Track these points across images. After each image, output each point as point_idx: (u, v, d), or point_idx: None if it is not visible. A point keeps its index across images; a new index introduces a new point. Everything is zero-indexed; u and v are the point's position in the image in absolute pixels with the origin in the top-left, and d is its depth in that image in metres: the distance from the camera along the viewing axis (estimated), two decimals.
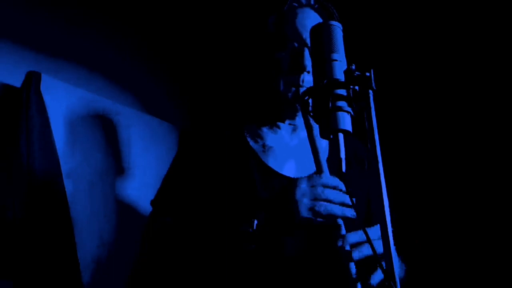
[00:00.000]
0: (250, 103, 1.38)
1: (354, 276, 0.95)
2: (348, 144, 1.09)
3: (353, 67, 0.84)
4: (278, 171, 1.22)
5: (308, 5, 1.27)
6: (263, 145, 1.26)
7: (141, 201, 1.80)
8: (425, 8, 1.99)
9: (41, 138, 1.53)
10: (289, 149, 1.28)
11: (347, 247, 0.96)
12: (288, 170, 1.24)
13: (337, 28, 0.89)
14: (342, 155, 0.81)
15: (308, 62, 1.17)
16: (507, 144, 1.80)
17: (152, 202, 1.27)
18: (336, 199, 1.00)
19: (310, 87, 0.87)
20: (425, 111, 2.03)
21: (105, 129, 1.80)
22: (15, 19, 1.67)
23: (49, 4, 1.79)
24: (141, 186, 1.83)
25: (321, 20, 1.23)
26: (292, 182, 1.04)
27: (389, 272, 0.74)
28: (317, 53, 0.88)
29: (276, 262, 1.10)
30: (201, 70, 2.33)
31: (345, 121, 0.81)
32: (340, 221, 0.99)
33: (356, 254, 0.95)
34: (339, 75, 0.84)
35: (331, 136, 0.82)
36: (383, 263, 0.76)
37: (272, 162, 1.23)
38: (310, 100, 0.87)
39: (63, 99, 1.67)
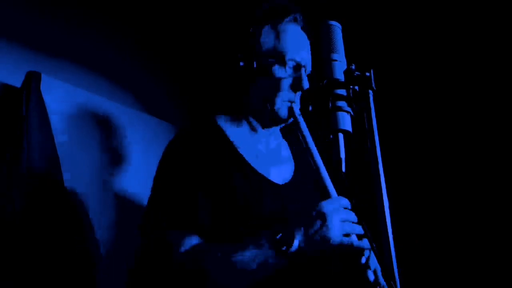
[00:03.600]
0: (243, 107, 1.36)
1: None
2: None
3: (353, 67, 0.84)
4: (267, 177, 1.25)
5: (300, 23, 1.29)
6: (254, 154, 1.28)
7: (141, 201, 1.80)
8: (425, 8, 1.99)
9: (41, 138, 1.53)
10: (266, 157, 1.32)
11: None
12: (274, 177, 1.27)
13: (337, 28, 0.89)
14: (342, 155, 0.82)
15: (305, 82, 1.20)
16: (507, 144, 1.80)
17: (144, 217, 1.23)
18: (354, 220, 1.08)
19: (310, 87, 0.87)
20: (425, 111, 2.03)
21: (105, 129, 1.80)
22: (15, 19, 1.67)
23: (49, 4, 1.79)
24: (141, 186, 1.83)
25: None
26: (317, 204, 1.07)
27: (389, 272, 0.74)
28: (317, 53, 0.88)
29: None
30: (201, 70, 2.33)
31: (345, 121, 0.82)
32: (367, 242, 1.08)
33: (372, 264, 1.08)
34: (339, 75, 0.84)
35: (331, 136, 0.82)
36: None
37: (261, 169, 1.26)
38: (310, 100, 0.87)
39: (63, 99, 1.67)
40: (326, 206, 1.06)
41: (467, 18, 1.91)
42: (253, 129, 1.33)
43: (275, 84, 1.23)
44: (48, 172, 1.52)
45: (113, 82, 1.97)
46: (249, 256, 1.06)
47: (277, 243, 1.04)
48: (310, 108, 0.86)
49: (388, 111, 1.31)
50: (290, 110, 1.23)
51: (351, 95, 0.83)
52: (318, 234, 1.04)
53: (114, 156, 1.81)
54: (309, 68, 1.26)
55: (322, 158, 1.15)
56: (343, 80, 0.84)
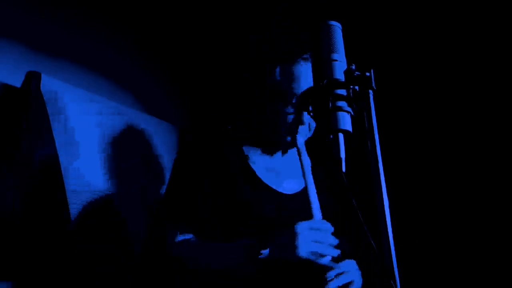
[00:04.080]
0: (249, 125, 1.44)
1: None
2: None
3: (353, 67, 0.84)
4: (277, 189, 1.35)
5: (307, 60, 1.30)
6: (265, 168, 1.37)
7: (141, 201, 1.80)
8: (425, 8, 1.99)
9: (41, 138, 1.53)
10: (280, 171, 1.40)
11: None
12: (283, 189, 1.36)
13: (337, 28, 0.89)
14: (342, 155, 0.81)
15: (306, 120, 1.27)
16: (507, 144, 1.80)
17: (156, 214, 1.37)
18: (333, 243, 1.16)
19: (310, 87, 0.87)
20: (425, 111, 2.03)
21: (105, 129, 1.80)
22: (15, 19, 1.67)
23: (49, 4, 1.79)
24: (141, 186, 1.83)
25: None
26: (293, 224, 1.15)
27: (389, 272, 0.74)
28: (317, 53, 0.88)
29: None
30: (201, 70, 2.33)
31: (345, 121, 0.82)
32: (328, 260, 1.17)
33: (335, 284, 1.15)
34: (339, 75, 0.84)
35: (331, 136, 0.82)
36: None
37: (271, 182, 1.35)
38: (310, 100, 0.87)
39: (63, 99, 1.67)
40: (301, 225, 1.14)
41: (467, 18, 1.91)
42: (272, 147, 1.40)
43: (281, 116, 1.30)
44: (48, 172, 1.52)
45: (113, 82, 1.97)
46: (224, 257, 1.20)
47: (249, 250, 1.15)
48: (310, 108, 0.86)
49: (388, 111, 1.31)
50: (293, 139, 1.29)
51: (351, 95, 0.83)
52: (286, 249, 1.13)
53: (114, 156, 1.81)
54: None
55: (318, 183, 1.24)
56: (343, 80, 0.84)
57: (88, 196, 1.67)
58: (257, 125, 1.39)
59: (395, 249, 0.76)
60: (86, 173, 1.68)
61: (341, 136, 0.82)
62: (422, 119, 2.03)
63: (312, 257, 1.13)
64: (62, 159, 1.57)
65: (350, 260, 1.22)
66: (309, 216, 1.19)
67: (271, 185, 1.35)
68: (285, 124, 1.29)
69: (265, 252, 1.14)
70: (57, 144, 1.57)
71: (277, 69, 1.29)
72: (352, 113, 0.83)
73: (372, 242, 1.04)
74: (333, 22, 0.89)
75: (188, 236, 1.26)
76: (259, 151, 1.40)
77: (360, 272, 1.24)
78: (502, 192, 1.79)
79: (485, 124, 1.87)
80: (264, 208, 1.29)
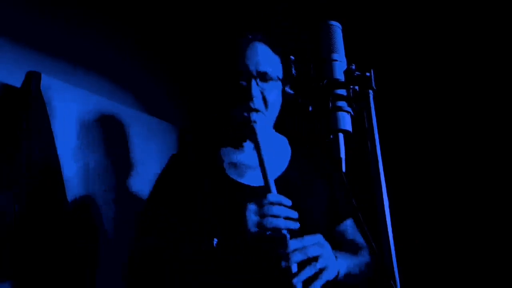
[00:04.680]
0: (220, 127, 1.50)
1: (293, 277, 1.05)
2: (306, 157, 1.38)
3: (353, 67, 0.84)
4: (239, 180, 1.34)
5: (254, 39, 1.38)
6: (229, 163, 1.39)
7: (141, 201, 1.80)
8: (425, 8, 1.99)
9: (41, 138, 1.53)
10: (250, 164, 1.38)
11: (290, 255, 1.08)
12: (247, 180, 1.35)
13: (337, 28, 0.89)
14: (342, 155, 0.82)
15: (255, 92, 1.30)
16: (507, 144, 1.80)
17: (138, 221, 1.36)
18: (281, 214, 1.11)
19: (310, 87, 0.87)
20: (425, 111, 2.03)
21: (105, 129, 1.80)
22: (15, 19, 1.67)
23: (49, 4, 1.79)
24: (141, 186, 1.83)
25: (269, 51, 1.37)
26: (242, 204, 1.14)
27: (389, 272, 0.74)
28: (317, 53, 0.88)
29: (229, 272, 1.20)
30: (201, 70, 2.33)
31: (345, 121, 0.82)
32: (285, 232, 1.10)
33: (295, 257, 1.07)
34: (339, 75, 0.84)
35: (331, 136, 0.82)
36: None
37: (234, 174, 1.36)
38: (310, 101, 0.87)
39: (63, 99, 1.67)
40: (249, 203, 1.13)
41: (467, 18, 1.91)
42: (239, 145, 1.42)
43: (229, 99, 1.36)
44: (48, 172, 1.52)
45: (113, 82, 1.97)
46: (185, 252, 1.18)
47: (202, 244, 1.15)
48: (310, 108, 0.86)
49: (388, 111, 1.31)
50: (247, 120, 1.31)
51: (351, 95, 0.83)
52: (235, 230, 1.12)
53: (114, 156, 1.81)
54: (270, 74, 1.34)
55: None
56: (343, 80, 0.84)
57: (88, 196, 1.67)
58: (224, 127, 1.43)
59: (395, 249, 0.76)
60: (86, 173, 1.68)
61: (341, 136, 0.82)
62: (422, 119, 2.03)
63: (264, 232, 1.09)
64: (62, 159, 1.57)
65: (315, 235, 1.14)
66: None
67: (234, 177, 1.34)
68: (236, 104, 1.32)
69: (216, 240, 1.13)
70: (57, 144, 1.57)
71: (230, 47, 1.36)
72: (352, 113, 0.83)
73: (372, 242, 1.04)
74: (333, 22, 0.89)
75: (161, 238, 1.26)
76: (231, 148, 1.42)
77: (329, 247, 1.15)
78: (502, 192, 1.79)
79: (485, 124, 1.87)
80: (230, 202, 1.27)
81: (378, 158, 0.78)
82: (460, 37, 1.95)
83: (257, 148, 1.23)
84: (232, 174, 1.36)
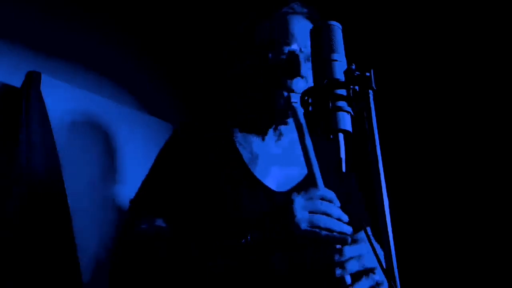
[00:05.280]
0: (238, 108, 1.35)
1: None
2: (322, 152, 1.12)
3: (353, 67, 0.84)
4: (262, 180, 1.20)
5: (301, 12, 1.24)
6: (251, 152, 1.23)
7: None
8: (425, 8, 1.99)
9: (41, 138, 1.53)
10: (273, 158, 1.25)
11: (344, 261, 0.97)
12: (271, 180, 1.21)
13: (337, 28, 0.89)
14: (342, 155, 0.81)
15: (303, 67, 1.16)
16: (507, 144, 1.80)
17: (131, 202, 1.23)
18: (333, 214, 0.99)
19: (310, 87, 0.87)
20: (425, 111, 2.03)
21: (105, 129, 1.80)
22: (15, 19, 1.67)
23: (49, 4, 1.79)
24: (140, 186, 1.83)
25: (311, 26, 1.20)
26: (289, 196, 1.01)
27: (389, 272, 0.74)
28: (317, 53, 0.88)
29: (264, 278, 1.07)
30: (201, 70, 2.33)
31: (345, 121, 0.82)
32: (341, 236, 0.98)
33: (351, 267, 0.96)
34: (339, 75, 0.84)
35: (331, 136, 0.82)
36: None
37: (258, 171, 1.21)
38: (310, 100, 0.86)
39: (63, 99, 1.67)
40: (297, 196, 0.99)
41: (467, 18, 1.91)
42: (261, 132, 1.26)
43: (269, 75, 1.19)
44: (48, 172, 1.52)
45: (113, 82, 1.97)
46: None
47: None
48: (310, 108, 0.86)
49: (388, 111, 1.31)
50: (287, 100, 1.17)
51: (351, 95, 0.83)
52: (280, 226, 0.98)
53: (114, 156, 1.81)
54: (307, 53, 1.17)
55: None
56: (343, 80, 0.84)
57: (88, 196, 1.67)
58: (249, 108, 1.27)
59: (395, 249, 0.76)
60: (86, 173, 1.68)
61: (341, 136, 0.82)
62: (422, 119, 2.03)
63: (310, 231, 0.95)
64: (62, 159, 1.57)
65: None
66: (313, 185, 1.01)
67: (258, 176, 1.20)
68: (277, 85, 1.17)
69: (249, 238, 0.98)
70: (57, 144, 1.57)
71: (263, 24, 1.21)
72: (352, 113, 0.83)
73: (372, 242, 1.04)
74: (333, 22, 0.89)
75: (159, 221, 1.12)
76: (249, 135, 1.26)
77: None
78: (502, 192, 1.79)
79: (485, 124, 1.87)
80: (247, 204, 1.13)
81: (378, 158, 0.78)
82: (460, 37, 1.95)
83: (301, 134, 1.07)
84: (256, 170, 1.20)
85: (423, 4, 1.98)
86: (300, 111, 1.10)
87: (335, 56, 0.86)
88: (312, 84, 0.85)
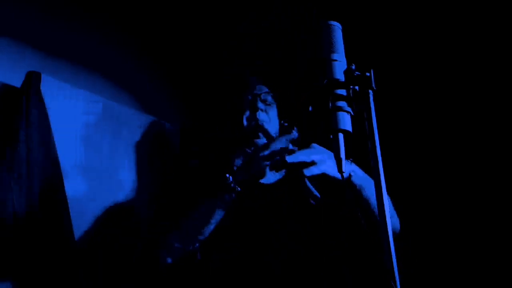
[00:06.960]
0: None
1: None
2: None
3: (353, 67, 0.84)
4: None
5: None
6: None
7: (141, 200, 1.80)
8: (425, 8, 1.99)
9: (41, 138, 1.53)
10: None
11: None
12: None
13: (337, 28, 0.89)
14: (342, 155, 0.82)
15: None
16: (507, 144, 1.80)
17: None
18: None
19: (310, 87, 0.87)
20: (425, 111, 2.03)
21: (105, 129, 1.80)
22: (15, 19, 1.67)
23: (49, 4, 1.79)
24: (141, 186, 1.83)
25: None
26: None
27: (389, 272, 0.74)
28: (317, 53, 0.88)
29: (261, 277, 1.21)
30: (201, 71, 2.33)
31: (345, 121, 0.82)
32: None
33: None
34: (339, 75, 0.84)
35: (331, 136, 0.82)
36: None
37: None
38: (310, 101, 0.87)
39: (63, 99, 1.67)
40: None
41: (467, 18, 1.91)
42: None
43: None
44: (48, 172, 1.52)
45: (113, 82, 1.97)
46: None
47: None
48: (310, 108, 0.86)
49: (388, 111, 1.31)
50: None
51: (351, 95, 0.83)
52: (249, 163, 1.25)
53: (114, 156, 1.81)
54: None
55: None
56: (343, 80, 0.84)
57: (88, 196, 1.67)
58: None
59: (395, 249, 0.76)
60: (86, 173, 1.68)
61: (341, 136, 0.82)
62: (422, 119, 2.03)
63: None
64: (62, 159, 1.57)
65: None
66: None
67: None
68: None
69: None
70: (57, 144, 1.57)
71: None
72: (352, 113, 0.83)
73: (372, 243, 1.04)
74: (333, 22, 0.89)
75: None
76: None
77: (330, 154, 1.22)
78: (502, 192, 1.79)
79: (485, 124, 1.87)
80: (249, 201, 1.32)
81: (378, 158, 0.78)
82: (460, 37, 1.95)
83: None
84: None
85: (422, 4, 1.98)
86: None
87: (335, 56, 0.86)
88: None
